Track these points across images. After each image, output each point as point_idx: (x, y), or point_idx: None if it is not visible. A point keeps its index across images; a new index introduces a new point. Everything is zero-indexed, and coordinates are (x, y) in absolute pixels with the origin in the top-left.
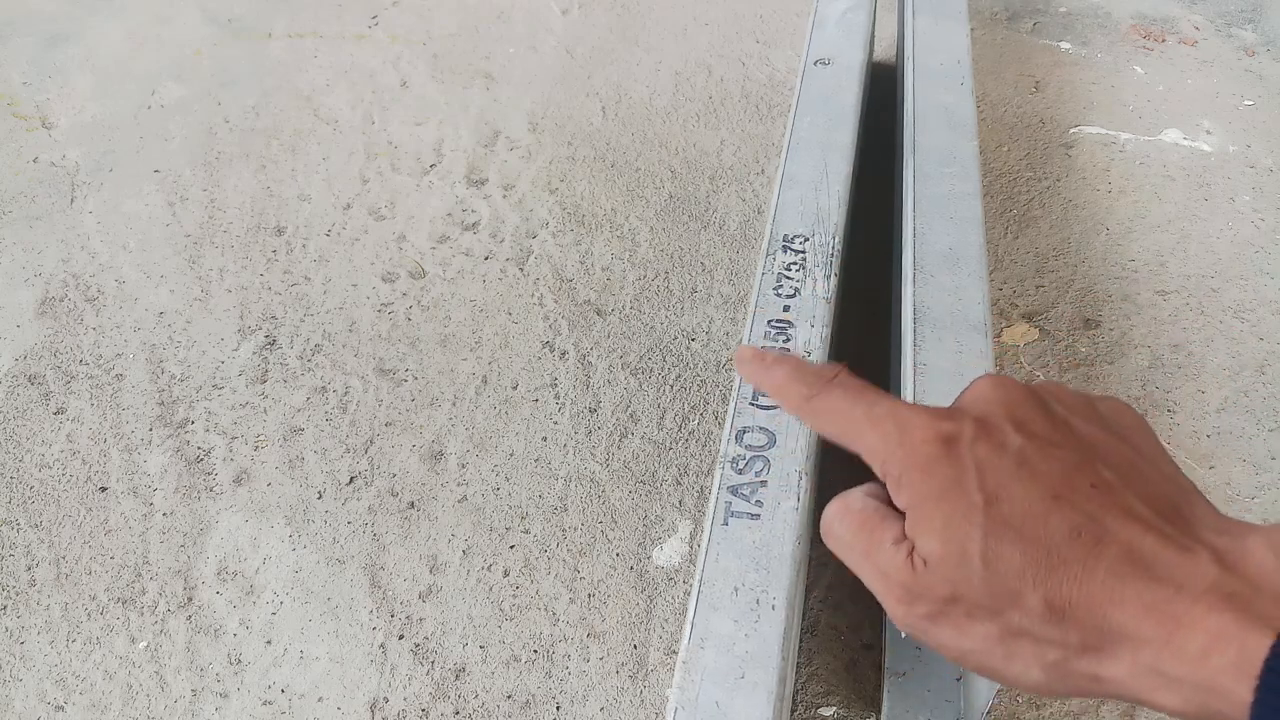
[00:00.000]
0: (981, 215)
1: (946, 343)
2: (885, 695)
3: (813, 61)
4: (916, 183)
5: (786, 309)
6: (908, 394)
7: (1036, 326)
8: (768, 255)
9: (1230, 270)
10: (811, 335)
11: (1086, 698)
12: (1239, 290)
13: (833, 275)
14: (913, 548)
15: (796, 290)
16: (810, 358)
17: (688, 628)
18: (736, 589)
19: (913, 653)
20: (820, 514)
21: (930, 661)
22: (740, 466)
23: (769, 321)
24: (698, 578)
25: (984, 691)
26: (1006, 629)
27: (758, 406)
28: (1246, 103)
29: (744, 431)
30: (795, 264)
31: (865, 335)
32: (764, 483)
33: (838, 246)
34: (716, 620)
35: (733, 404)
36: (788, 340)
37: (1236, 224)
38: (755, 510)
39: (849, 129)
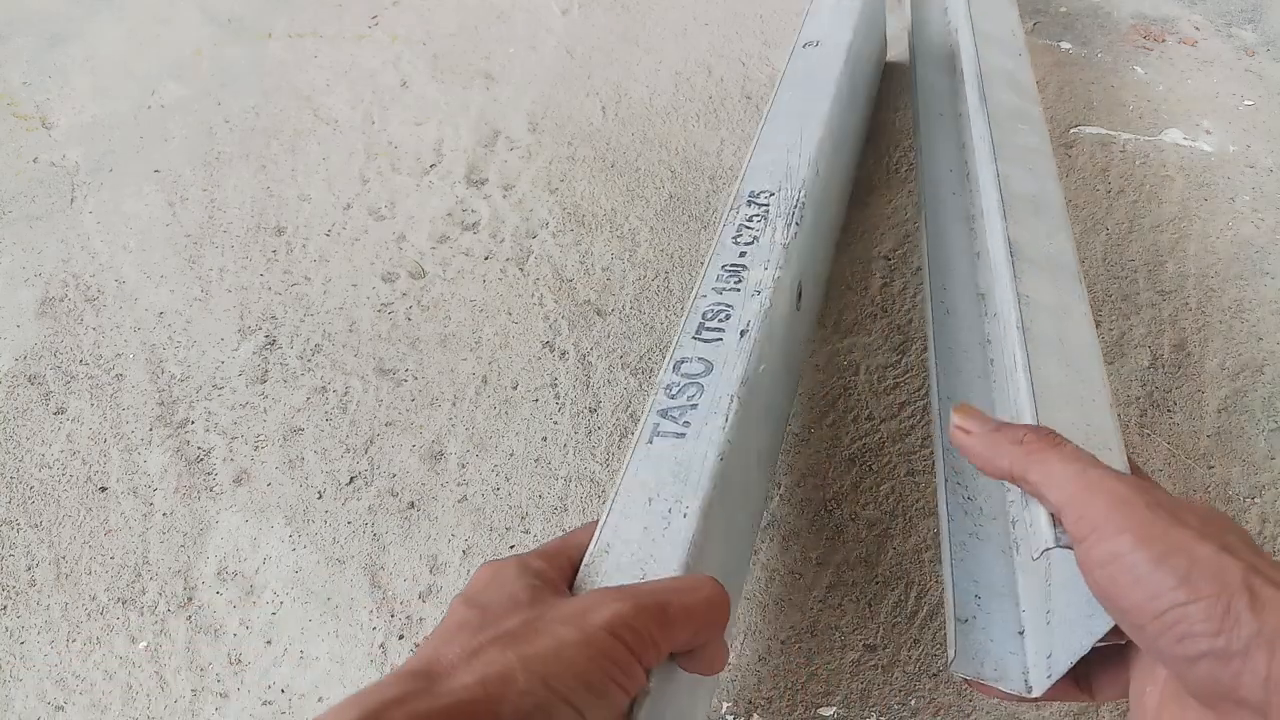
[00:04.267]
0: (1057, 174)
1: (1043, 280)
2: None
3: (801, 45)
4: (995, 131)
5: (742, 254)
6: (1012, 324)
7: None
8: (731, 209)
9: (1230, 270)
10: (764, 277)
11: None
12: (1239, 290)
13: (794, 225)
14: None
15: (755, 239)
16: (759, 296)
17: (595, 535)
18: (651, 499)
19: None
20: (753, 438)
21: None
22: (674, 393)
23: (722, 266)
24: (612, 494)
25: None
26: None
27: (699, 340)
28: (1246, 103)
29: (682, 362)
30: (757, 216)
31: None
32: (694, 406)
33: (803, 199)
34: (626, 527)
35: (676, 337)
36: (739, 282)
37: (1236, 224)
38: (681, 430)
39: (829, 99)
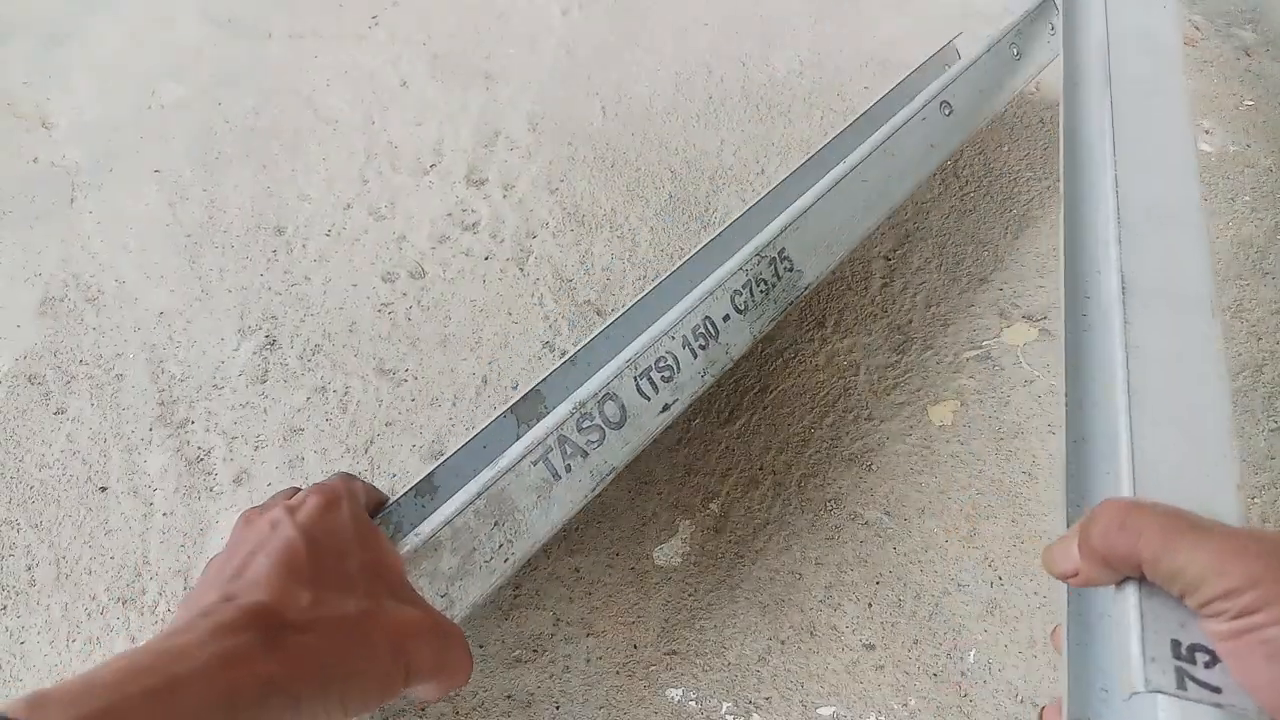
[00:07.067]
0: (1195, 163)
1: (1162, 318)
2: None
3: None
4: (1116, 123)
5: (726, 319)
6: (1117, 385)
7: (1036, 326)
8: (755, 253)
9: (1230, 270)
10: (725, 361)
11: None
12: (1238, 290)
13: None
14: None
15: (746, 309)
16: (704, 378)
17: (432, 520)
18: (497, 524)
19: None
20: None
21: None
22: (584, 425)
23: (707, 316)
24: (456, 503)
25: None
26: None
27: (639, 387)
28: (1246, 103)
29: (609, 398)
30: (766, 285)
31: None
32: (585, 454)
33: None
34: (466, 536)
35: (620, 366)
36: (704, 347)
37: (1236, 224)
38: (560, 472)
39: None
